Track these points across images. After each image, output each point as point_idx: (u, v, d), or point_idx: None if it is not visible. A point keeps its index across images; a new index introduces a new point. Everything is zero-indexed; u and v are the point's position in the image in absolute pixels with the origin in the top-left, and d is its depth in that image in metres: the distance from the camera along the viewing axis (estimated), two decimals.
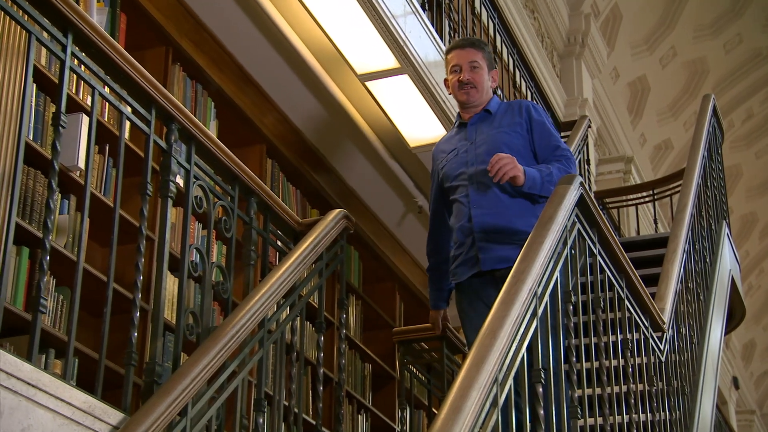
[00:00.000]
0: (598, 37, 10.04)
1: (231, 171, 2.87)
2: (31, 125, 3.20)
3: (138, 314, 2.43)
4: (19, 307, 3.00)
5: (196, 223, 4.04)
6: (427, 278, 3.61)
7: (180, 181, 3.24)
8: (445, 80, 3.48)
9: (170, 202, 2.62)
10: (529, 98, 6.70)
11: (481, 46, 3.44)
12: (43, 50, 3.21)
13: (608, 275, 3.13)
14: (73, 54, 2.28)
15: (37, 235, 3.05)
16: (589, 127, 6.90)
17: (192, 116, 2.69)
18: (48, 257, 2.16)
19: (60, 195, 3.28)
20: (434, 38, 4.88)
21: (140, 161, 2.92)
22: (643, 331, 3.46)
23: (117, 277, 2.92)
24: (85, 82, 2.38)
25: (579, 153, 6.28)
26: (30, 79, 2.21)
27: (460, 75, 3.39)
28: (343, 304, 3.34)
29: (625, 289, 3.25)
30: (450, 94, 3.51)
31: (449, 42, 5.34)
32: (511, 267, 3.10)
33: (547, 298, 2.46)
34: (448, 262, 3.41)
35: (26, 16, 2.19)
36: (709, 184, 5.68)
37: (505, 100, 3.52)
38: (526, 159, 3.27)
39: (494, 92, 3.52)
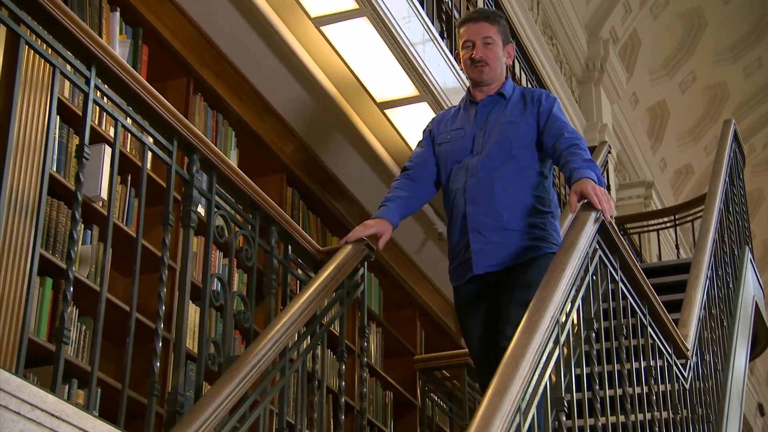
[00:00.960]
0: (616, 63, 10.05)
1: (252, 200, 2.88)
2: (55, 157, 3.23)
3: (160, 344, 2.44)
4: (43, 337, 3.02)
5: (218, 251, 4.06)
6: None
7: (201, 210, 3.26)
8: (457, 54, 3.25)
9: (192, 232, 2.63)
10: None
11: (496, 19, 3.18)
12: (66, 82, 3.24)
13: (630, 302, 3.11)
14: (96, 86, 2.30)
15: (61, 266, 3.07)
16: (609, 152, 6.89)
17: (213, 146, 2.71)
18: (71, 288, 2.17)
19: (83, 225, 3.31)
20: (453, 66, 4.90)
21: (162, 191, 2.94)
22: (666, 358, 3.43)
23: (139, 306, 2.93)
24: (108, 114, 2.40)
25: None
26: (54, 111, 2.23)
27: (473, 52, 3.13)
28: (364, 332, 3.34)
29: (647, 316, 3.22)
30: (461, 69, 3.27)
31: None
32: (505, 269, 2.97)
33: (569, 325, 2.45)
34: (414, 204, 3.18)
35: (50, 50, 2.22)
36: (731, 209, 5.65)
37: (518, 85, 3.28)
38: (531, 150, 3.08)
39: (508, 69, 3.33)
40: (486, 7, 5.71)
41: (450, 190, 3.13)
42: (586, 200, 2.79)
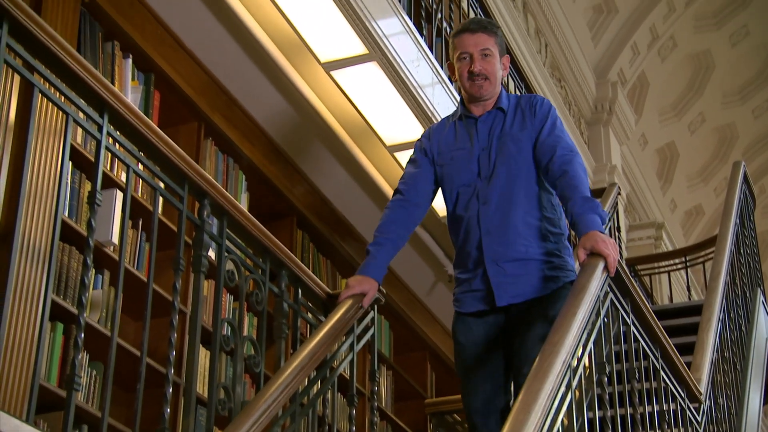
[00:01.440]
0: (625, 105, 10.09)
1: (262, 244, 2.89)
2: (67, 202, 3.25)
3: (171, 389, 2.43)
4: (53, 383, 3.01)
5: (228, 295, 4.06)
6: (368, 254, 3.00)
7: (212, 253, 3.27)
8: (449, 64, 3.05)
9: (203, 277, 2.63)
10: None
11: (493, 30, 2.99)
12: (79, 128, 3.27)
13: (642, 345, 3.09)
14: (108, 133, 2.32)
15: (72, 311, 3.08)
16: (619, 194, 6.89)
17: (224, 191, 2.72)
18: (83, 334, 2.18)
19: (94, 270, 3.32)
20: None
21: (173, 235, 2.95)
22: (679, 402, 3.40)
23: (149, 351, 2.93)
24: (120, 160, 2.42)
25: (609, 220, 6.27)
26: (67, 158, 2.25)
27: (471, 65, 2.95)
28: (375, 376, 3.32)
29: (660, 360, 3.20)
30: (454, 81, 3.05)
31: None
32: (526, 302, 2.84)
33: (581, 369, 2.43)
34: (404, 240, 3.04)
35: (63, 98, 2.24)
36: (742, 251, 5.63)
37: (509, 94, 3.07)
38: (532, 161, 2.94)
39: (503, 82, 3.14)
40: None
41: (459, 217, 2.99)
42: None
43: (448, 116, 3.14)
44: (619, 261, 2.80)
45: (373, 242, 3.01)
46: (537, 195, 2.94)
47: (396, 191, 3.09)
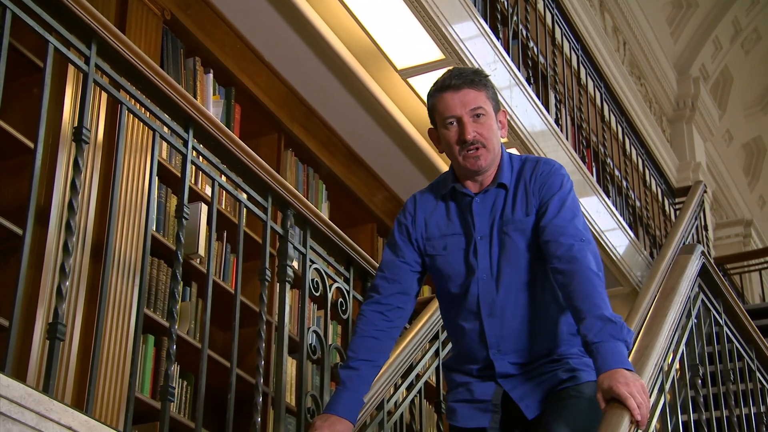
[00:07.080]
0: (708, 100, 9.86)
1: (346, 253, 2.90)
2: (154, 216, 3.31)
3: (260, 399, 2.45)
4: (146, 394, 3.07)
5: (312, 303, 4.09)
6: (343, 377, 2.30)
7: (296, 263, 3.30)
8: (430, 130, 2.34)
9: (288, 286, 2.66)
10: (640, 165, 6.59)
11: (482, 81, 2.29)
12: (164, 143, 3.34)
13: (736, 345, 3.02)
14: (193, 147, 2.36)
15: (162, 323, 3.14)
16: (705, 191, 6.73)
17: (306, 201, 2.74)
18: (174, 346, 2.22)
19: (182, 282, 3.38)
20: (540, 111, 4.88)
21: (257, 246, 2.98)
22: None
23: (237, 361, 2.96)
24: (205, 174, 2.46)
25: (696, 219, 6.13)
26: (155, 173, 2.29)
27: (462, 131, 2.24)
28: None
29: (755, 361, 3.12)
30: (441, 152, 2.34)
31: (556, 115, 5.33)
32: (548, 410, 2.19)
33: (673, 372, 2.38)
34: (386, 355, 2.34)
35: (148, 114, 2.29)
36: None
37: (512, 156, 2.37)
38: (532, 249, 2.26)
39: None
40: (556, 49, 5.67)
41: (459, 327, 2.32)
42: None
43: (436, 185, 2.41)
44: (709, 260, 2.74)
45: (345, 365, 2.33)
46: (554, 299, 2.27)
47: (372, 288, 2.37)
